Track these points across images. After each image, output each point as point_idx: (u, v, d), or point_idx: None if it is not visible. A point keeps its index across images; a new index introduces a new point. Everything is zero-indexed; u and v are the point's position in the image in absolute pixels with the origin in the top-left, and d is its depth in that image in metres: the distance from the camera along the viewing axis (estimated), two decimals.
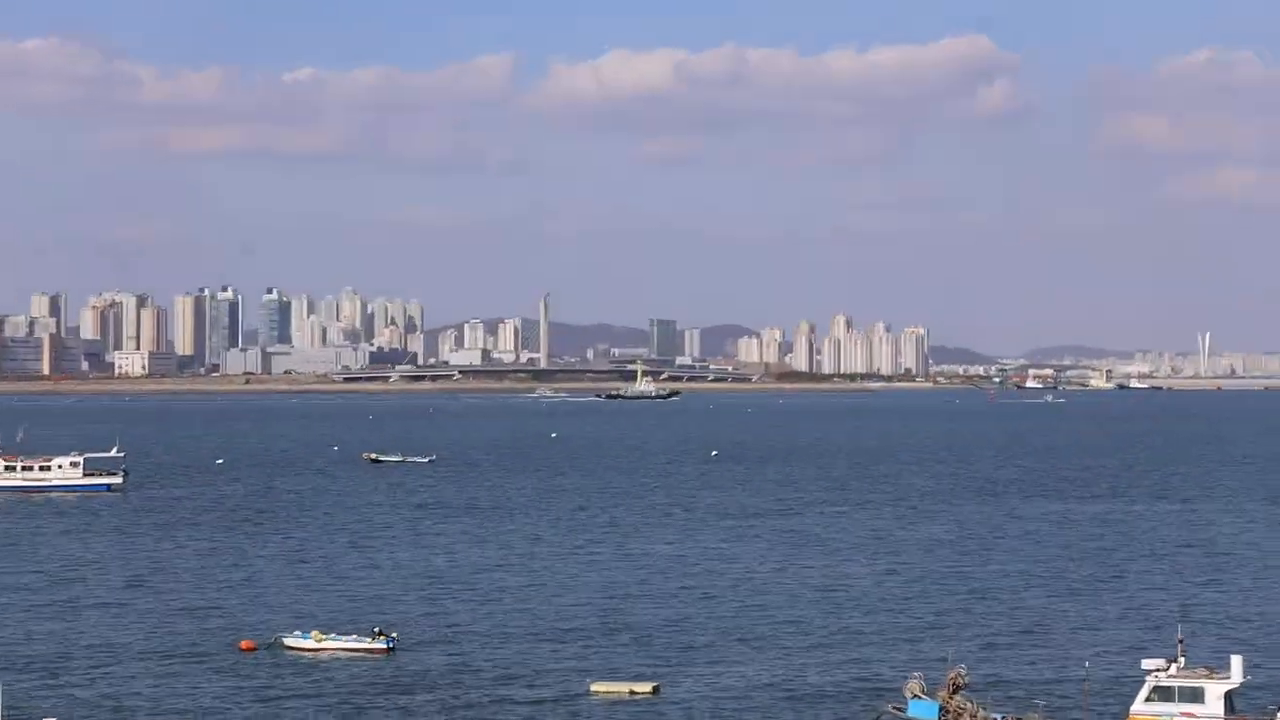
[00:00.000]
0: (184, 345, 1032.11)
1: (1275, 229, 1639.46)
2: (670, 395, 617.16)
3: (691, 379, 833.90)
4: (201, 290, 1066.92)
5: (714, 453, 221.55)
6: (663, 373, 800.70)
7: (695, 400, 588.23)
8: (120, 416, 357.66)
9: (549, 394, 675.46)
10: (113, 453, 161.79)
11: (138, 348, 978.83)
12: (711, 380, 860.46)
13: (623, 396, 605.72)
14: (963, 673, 55.90)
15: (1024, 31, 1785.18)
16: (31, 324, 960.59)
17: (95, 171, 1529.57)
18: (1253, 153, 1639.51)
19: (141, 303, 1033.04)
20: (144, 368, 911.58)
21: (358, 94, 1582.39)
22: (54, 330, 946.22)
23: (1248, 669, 54.32)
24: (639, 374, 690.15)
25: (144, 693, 63.50)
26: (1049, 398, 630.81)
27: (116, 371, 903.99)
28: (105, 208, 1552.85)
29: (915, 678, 55.93)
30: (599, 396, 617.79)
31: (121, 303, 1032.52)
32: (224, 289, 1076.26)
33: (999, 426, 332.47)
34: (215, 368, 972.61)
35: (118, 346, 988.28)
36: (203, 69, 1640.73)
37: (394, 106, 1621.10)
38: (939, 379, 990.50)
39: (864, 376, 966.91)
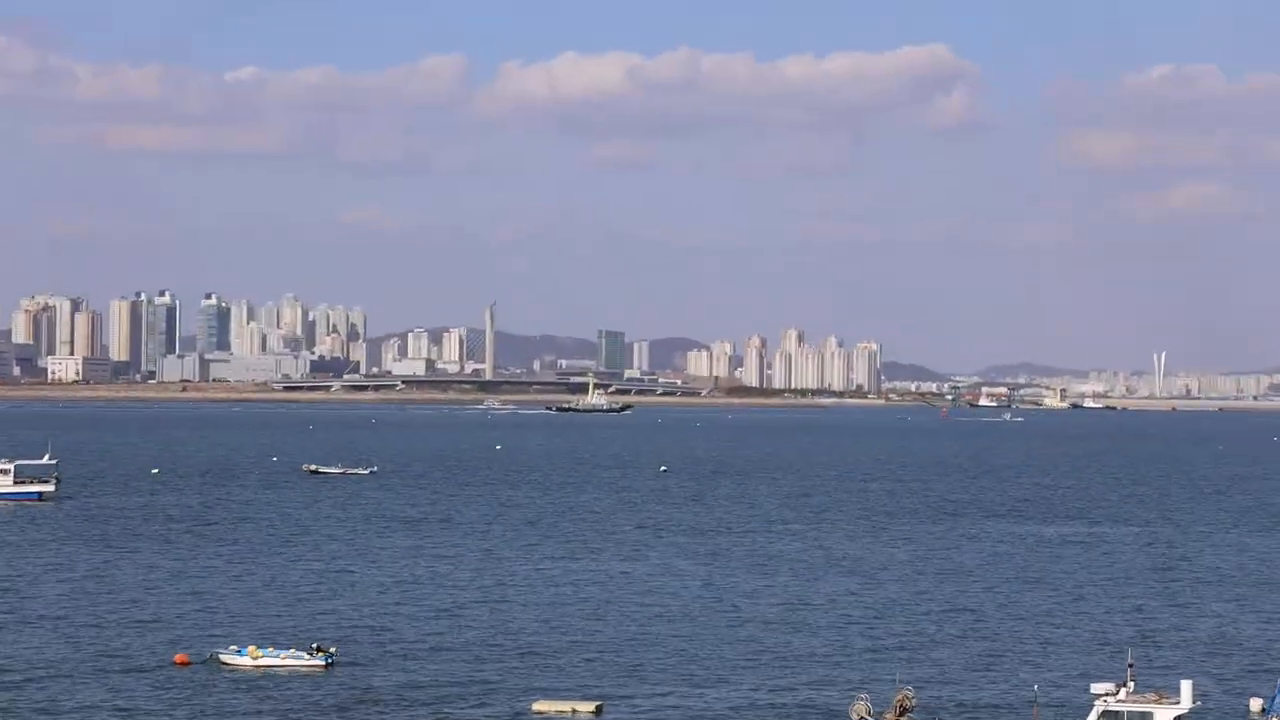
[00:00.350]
0: (119, 351, 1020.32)
1: (1234, 247, 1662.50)
2: (623, 409, 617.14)
3: (640, 392, 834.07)
4: (138, 294, 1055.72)
5: (663, 468, 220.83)
6: (610, 385, 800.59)
7: (644, 414, 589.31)
8: (53, 423, 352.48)
9: (497, 406, 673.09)
10: (44, 460, 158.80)
11: (71, 353, 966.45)
12: (660, 394, 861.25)
13: (575, 409, 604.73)
14: (910, 694, 55.43)
15: (984, 42, 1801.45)
16: None
17: (28, 169, 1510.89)
18: (1214, 168, 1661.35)
19: (76, 306, 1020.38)
20: (78, 373, 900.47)
21: (301, 94, 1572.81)
22: None
23: (1197, 694, 54.01)
24: (591, 387, 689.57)
25: (74, 707, 61.83)
26: (1007, 416, 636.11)
27: (49, 377, 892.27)
28: (39, 207, 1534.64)
29: (861, 699, 55.37)
30: (550, 409, 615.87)
31: (55, 306, 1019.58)
32: (161, 293, 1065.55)
33: (955, 445, 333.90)
34: (151, 374, 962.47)
35: (51, 351, 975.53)
36: (141, 66, 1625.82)
37: (339, 107, 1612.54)
38: (891, 396, 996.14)
39: (815, 392, 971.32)
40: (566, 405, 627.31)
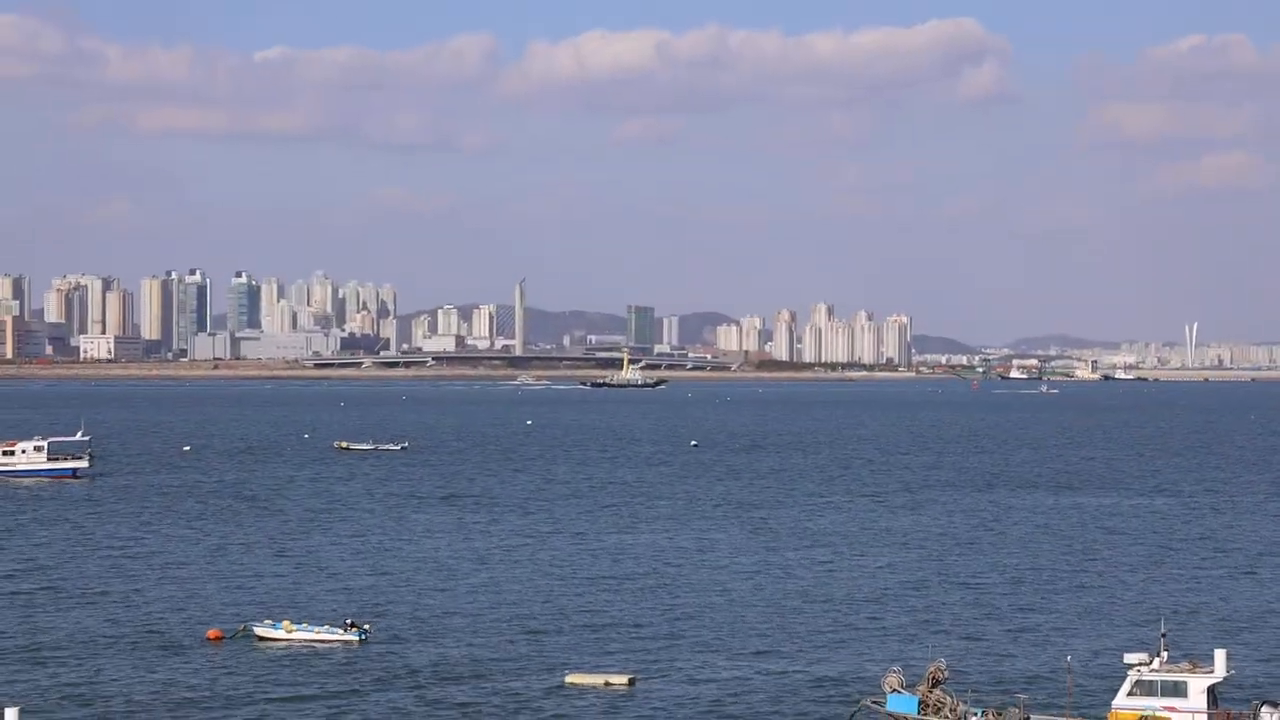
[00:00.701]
0: (151, 330, 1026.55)
1: (1265, 218, 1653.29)
2: (658, 384, 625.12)
3: (670, 367, 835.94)
4: (169, 273, 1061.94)
5: (694, 442, 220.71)
6: (641, 360, 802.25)
7: (675, 389, 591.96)
8: (85, 401, 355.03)
9: (532, 382, 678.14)
10: (78, 437, 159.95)
11: (103, 332, 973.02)
12: (690, 369, 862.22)
13: (610, 385, 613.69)
14: (942, 666, 55.21)
15: (1013, 15, 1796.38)
16: None
17: (59, 150, 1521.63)
18: (1243, 139, 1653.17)
19: (107, 285, 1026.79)
20: (110, 352, 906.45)
21: (330, 74, 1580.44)
22: (17, 313, 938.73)
23: (1231, 663, 53.72)
24: (625, 362, 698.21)
25: (109, 681, 62.29)
26: (1043, 388, 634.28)
27: (81, 356, 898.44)
28: (69, 187, 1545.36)
29: (894, 671, 55.20)
30: (586, 385, 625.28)
31: (87, 285, 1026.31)
32: (192, 272, 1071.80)
33: (993, 417, 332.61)
34: (183, 353, 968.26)
35: (83, 330, 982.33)
36: (171, 47, 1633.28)
37: (368, 86, 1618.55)
38: (921, 369, 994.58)
39: (845, 366, 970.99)
40: (601, 380, 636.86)
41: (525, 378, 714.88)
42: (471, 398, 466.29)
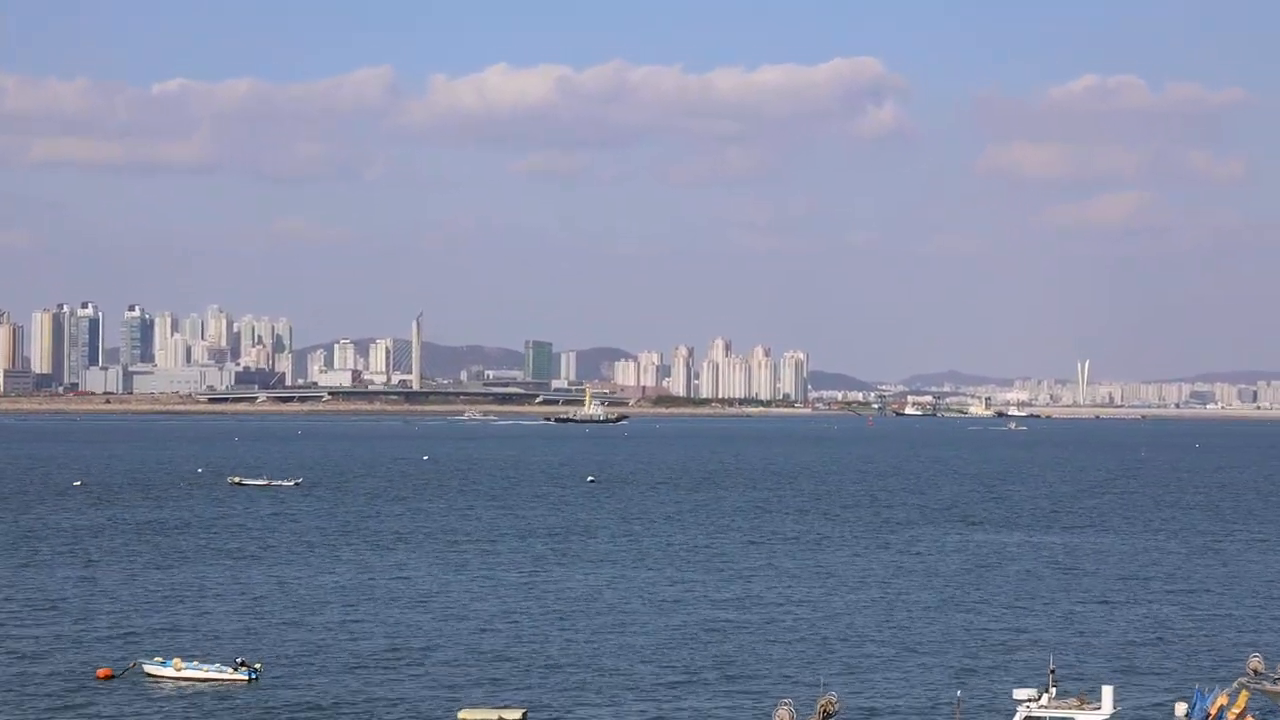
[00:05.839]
0: (41, 363, 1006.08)
1: (1156, 257, 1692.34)
2: (619, 419, 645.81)
3: (568, 402, 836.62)
4: (60, 306, 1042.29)
5: (590, 478, 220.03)
6: (538, 396, 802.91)
7: (576, 425, 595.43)
8: None
9: (479, 416, 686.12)
10: None
11: None
12: None
13: (574, 420, 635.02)
14: (833, 700, 55.52)
15: (913, 55, 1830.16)
16: None
17: None
18: (1136, 179, 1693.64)
19: None
20: None
21: (229, 105, 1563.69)
22: None
23: (1119, 699, 54.61)
24: (588, 398, 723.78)
25: None
26: (1011, 425, 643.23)
27: None
28: None
29: (785, 705, 55.38)
30: (550, 421, 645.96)
31: None
32: (84, 305, 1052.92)
33: (936, 454, 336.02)
34: (74, 387, 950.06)
35: None
36: (69, 79, 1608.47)
37: (267, 118, 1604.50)
38: (818, 405, 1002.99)
39: (743, 401, 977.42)
40: (566, 416, 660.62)
41: (473, 412, 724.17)
42: (370, 433, 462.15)
